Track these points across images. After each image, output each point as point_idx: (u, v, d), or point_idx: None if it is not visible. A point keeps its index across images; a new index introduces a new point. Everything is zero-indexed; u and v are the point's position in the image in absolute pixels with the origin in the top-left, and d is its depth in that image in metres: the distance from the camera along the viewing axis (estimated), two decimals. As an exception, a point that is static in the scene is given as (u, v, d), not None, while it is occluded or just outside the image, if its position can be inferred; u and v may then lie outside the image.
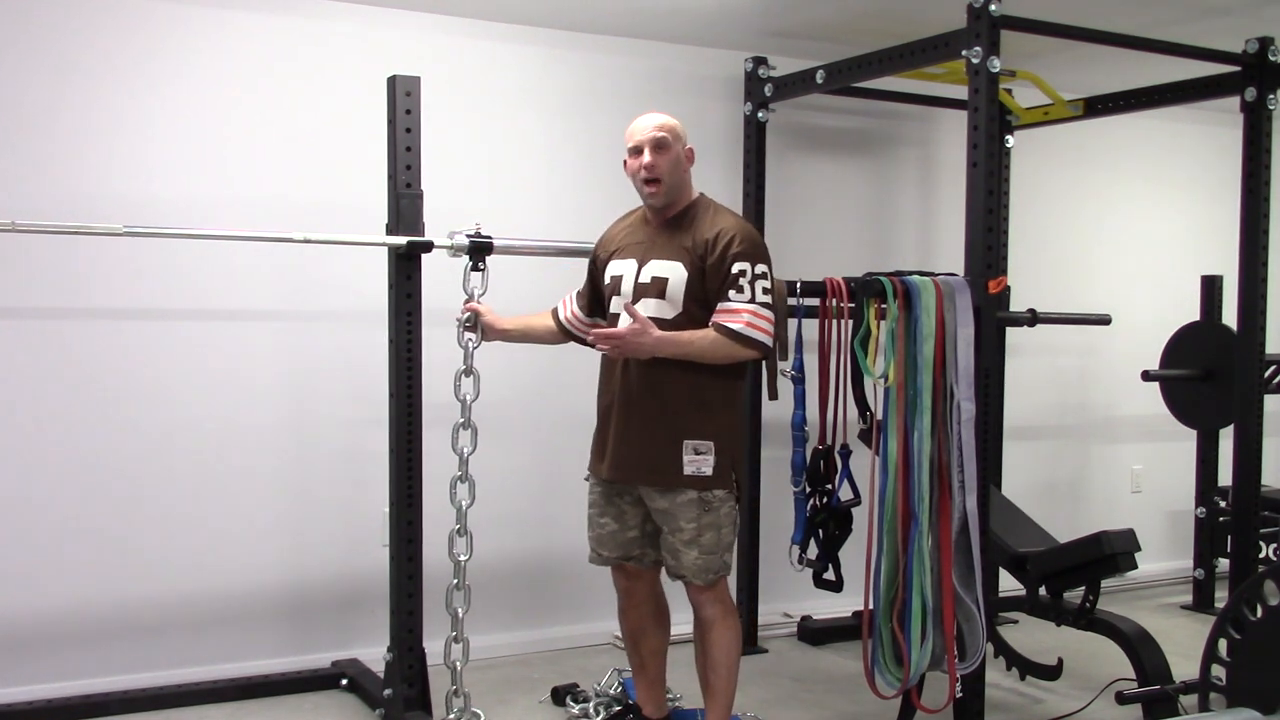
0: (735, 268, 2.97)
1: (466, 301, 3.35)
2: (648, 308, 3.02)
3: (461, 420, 3.37)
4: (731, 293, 2.96)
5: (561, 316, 3.38)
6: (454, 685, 3.40)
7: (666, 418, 3.01)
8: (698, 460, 3.00)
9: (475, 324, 3.35)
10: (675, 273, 3.02)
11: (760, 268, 3.00)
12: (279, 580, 3.92)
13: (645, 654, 3.30)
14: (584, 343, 3.35)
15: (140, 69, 3.69)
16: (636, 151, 3.08)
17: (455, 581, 3.38)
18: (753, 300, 2.96)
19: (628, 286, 3.09)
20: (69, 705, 3.51)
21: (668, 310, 3.01)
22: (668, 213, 3.11)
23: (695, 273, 3.00)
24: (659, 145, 3.04)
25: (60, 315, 3.62)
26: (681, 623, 3.38)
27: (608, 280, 3.19)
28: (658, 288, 3.03)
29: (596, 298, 3.30)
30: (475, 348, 3.36)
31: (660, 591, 3.29)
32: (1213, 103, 4.71)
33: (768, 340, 2.99)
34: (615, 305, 3.13)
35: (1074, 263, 5.44)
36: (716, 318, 2.97)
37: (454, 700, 3.40)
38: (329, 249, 3.72)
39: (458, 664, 3.39)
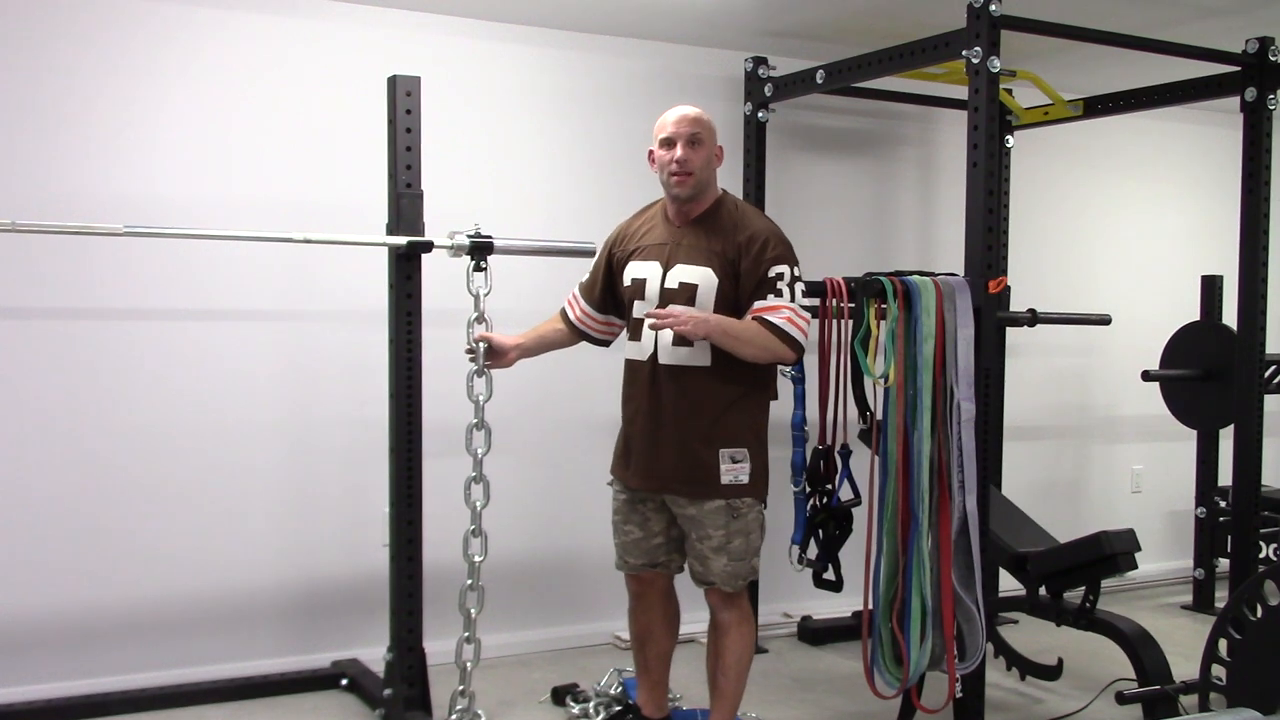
0: (772, 271, 2.95)
1: (476, 333, 3.26)
2: None
3: (475, 421, 3.36)
4: (770, 295, 2.94)
5: (572, 317, 3.31)
6: (461, 685, 3.40)
7: (701, 425, 2.96)
8: (735, 469, 2.97)
9: (489, 353, 3.25)
10: (705, 278, 2.97)
11: (795, 270, 2.99)
12: (279, 580, 3.92)
13: (651, 656, 3.28)
14: (597, 342, 3.32)
15: (141, 69, 3.69)
16: (669, 144, 3.01)
17: (470, 582, 3.37)
18: (792, 300, 2.96)
19: (653, 291, 3.03)
20: (69, 705, 3.51)
21: None
22: (692, 211, 3.05)
23: (726, 278, 2.96)
24: (694, 141, 3.00)
25: (61, 315, 3.62)
26: (684, 623, 3.37)
27: (628, 283, 3.12)
28: (686, 294, 2.98)
29: (610, 292, 3.23)
30: (486, 366, 3.29)
31: (673, 596, 3.27)
32: (1213, 103, 4.71)
33: (804, 341, 2.98)
34: (638, 310, 3.07)
35: (1074, 263, 5.44)
36: (757, 314, 2.93)
37: (458, 699, 3.40)
38: (329, 249, 3.72)
39: (469, 664, 3.39)
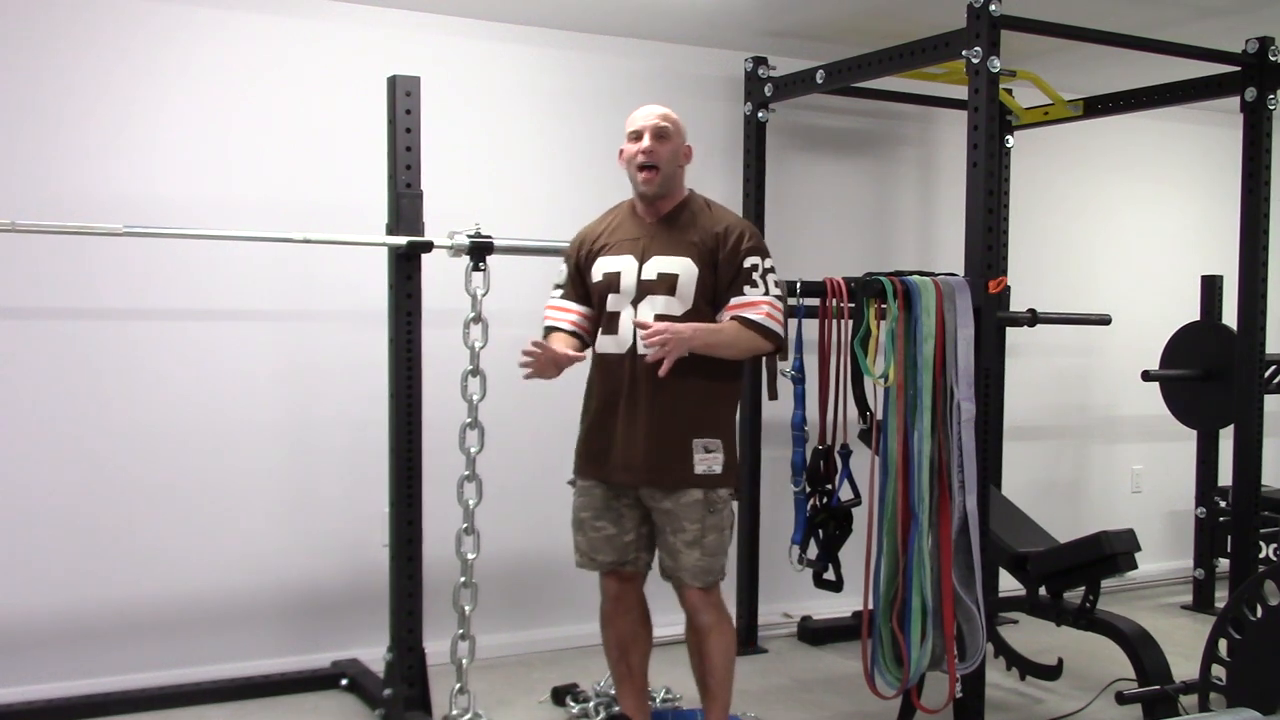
0: (748, 262, 2.97)
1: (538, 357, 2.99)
2: (656, 305, 2.97)
3: (469, 420, 3.36)
4: (746, 287, 2.97)
5: (568, 325, 3.14)
6: (458, 683, 3.40)
7: (676, 416, 2.97)
8: (708, 459, 2.97)
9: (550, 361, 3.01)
10: (685, 269, 2.98)
11: (768, 262, 3.02)
12: (279, 580, 3.92)
13: (634, 662, 3.22)
14: (586, 345, 3.21)
15: (140, 69, 3.69)
16: (636, 137, 3.03)
17: (463, 580, 3.38)
18: (767, 293, 2.98)
19: (629, 283, 3.02)
20: (69, 705, 3.51)
21: (676, 307, 2.97)
22: (662, 208, 3.06)
23: (706, 267, 2.97)
24: (660, 134, 3.01)
25: (60, 315, 3.62)
26: (667, 624, 3.36)
27: (599, 278, 3.08)
28: (666, 284, 2.98)
29: (586, 295, 3.17)
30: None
31: (644, 597, 3.23)
32: (1213, 103, 4.71)
33: (783, 332, 3.02)
34: (613, 303, 3.05)
35: (1074, 263, 5.44)
36: (736, 311, 2.95)
37: (458, 698, 3.40)
38: (329, 249, 3.72)
39: (464, 661, 3.39)
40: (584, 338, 3.15)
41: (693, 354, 2.93)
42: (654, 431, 2.98)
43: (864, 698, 3.38)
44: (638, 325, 2.91)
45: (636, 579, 3.18)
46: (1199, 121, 5.56)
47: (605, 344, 3.07)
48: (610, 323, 3.05)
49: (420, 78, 3.37)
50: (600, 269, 3.09)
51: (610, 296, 3.06)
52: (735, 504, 3.09)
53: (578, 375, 4.07)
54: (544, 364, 2.98)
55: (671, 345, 2.83)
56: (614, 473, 3.05)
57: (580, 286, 3.17)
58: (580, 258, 3.16)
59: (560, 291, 3.20)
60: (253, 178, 3.84)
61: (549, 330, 3.15)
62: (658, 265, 3.00)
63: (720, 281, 2.98)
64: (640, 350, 2.94)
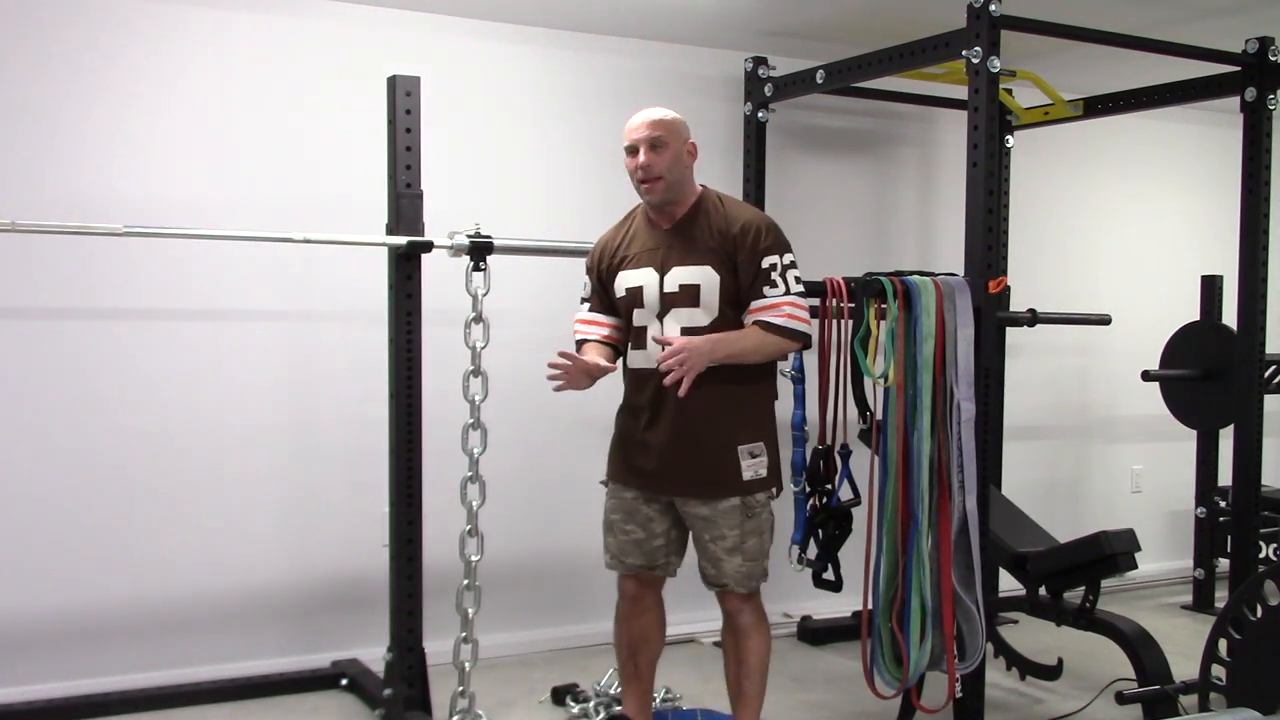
0: (766, 262, 2.92)
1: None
2: (680, 318, 2.93)
3: (471, 421, 3.36)
4: (766, 288, 2.91)
5: (604, 339, 3.11)
6: (460, 686, 3.40)
7: (714, 426, 2.93)
8: (754, 463, 2.94)
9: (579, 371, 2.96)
10: (707, 277, 2.93)
11: (788, 257, 2.96)
12: (279, 580, 3.92)
13: (643, 663, 3.21)
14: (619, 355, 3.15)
15: (140, 69, 3.69)
16: (632, 151, 2.97)
17: (466, 582, 3.38)
18: (788, 291, 2.93)
19: (652, 297, 2.97)
20: (69, 705, 3.51)
21: (702, 318, 2.92)
22: (675, 213, 3.01)
23: (727, 273, 2.92)
24: (655, 144, 2.93)
25: (60, 315, 3.62)
26: (683, 623, 3.36)
27: (622, 293, 3.04)
28: (689, 295, 2.93)
29: (613, 306, 3.13)
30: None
31: (662, 600, 3.22)
32: (1213, 103, 4.71)
33: (808, 329, 2.97)
34: (639, 318, 3.01)
35: (1074, 263, 5.44)
36: (757, 315, 2.91)
37: (459, 700, 3.40)
38: (329, 249, 3.72)
39: (466, 664, 3.39)
40: (618, 348, 3.12)
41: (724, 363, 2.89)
42: (691, 444, 2.94)
43: (864, 698, 3.38)
44: (658, 342, 2.90)
45: (658, 583, 3.16)
46: (1199, 121, 5.57)
47: (635, 359, 3.05)
48: (638, 338, 3.02)
49: (420, 78, 3.37)
50: (622, 284, 3.05)
51: (635, 311, 3.02)
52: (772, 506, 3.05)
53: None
54: (575, 374, 2.95)
55: (690, 363, 2.78)
56: (649, 485, 3.03)
57: (605, 298, 3.14)
58: (601, 270, 3.13)
59: (587, 305, 3.18)
60: (252, 177, 3.84)
61: (581, 344, 3.12)
62: (678, 276, 2.95)
63: (741, 284, 2.93)
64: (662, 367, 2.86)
